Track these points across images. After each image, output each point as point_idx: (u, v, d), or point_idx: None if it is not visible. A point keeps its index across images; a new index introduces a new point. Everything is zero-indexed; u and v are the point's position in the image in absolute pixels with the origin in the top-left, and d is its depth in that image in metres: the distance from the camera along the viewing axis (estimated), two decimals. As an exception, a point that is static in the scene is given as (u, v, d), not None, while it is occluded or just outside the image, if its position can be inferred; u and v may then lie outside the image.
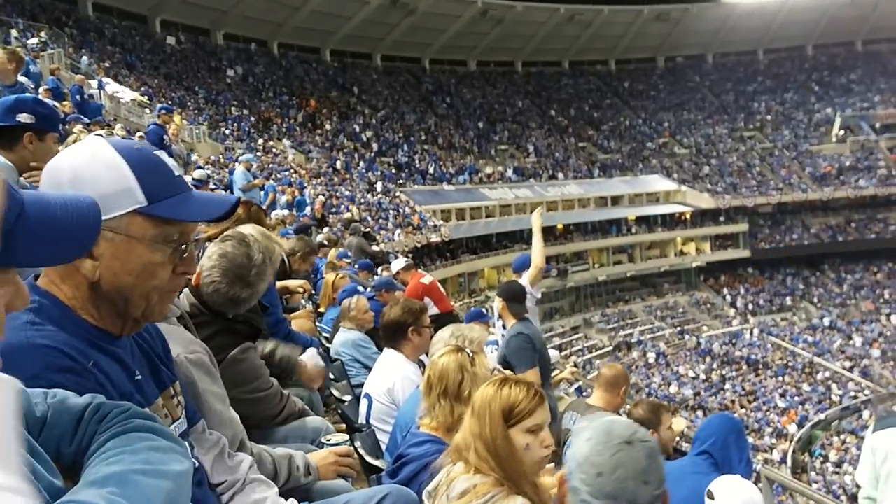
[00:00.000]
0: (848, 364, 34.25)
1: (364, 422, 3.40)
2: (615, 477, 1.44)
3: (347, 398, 3.77)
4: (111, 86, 18.25)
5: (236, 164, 13.99)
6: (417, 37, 46.53)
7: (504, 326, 5.03)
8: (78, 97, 12.14)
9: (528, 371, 4.56)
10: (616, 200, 41.34)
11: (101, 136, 1.98)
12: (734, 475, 2.94)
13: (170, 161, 1.25)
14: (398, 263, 8.55)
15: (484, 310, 7.08)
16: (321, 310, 6.24)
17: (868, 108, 47.05)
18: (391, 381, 3.38)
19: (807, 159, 44.64)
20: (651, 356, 33.96)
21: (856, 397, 31.91)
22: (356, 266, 8.61)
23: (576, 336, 35.73)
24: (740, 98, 50.51)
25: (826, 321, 37.48)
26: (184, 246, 1.23)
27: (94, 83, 17.04)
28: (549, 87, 51.32)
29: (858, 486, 2.72)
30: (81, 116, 9.94)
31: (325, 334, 5.45)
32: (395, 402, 3.31)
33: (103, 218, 1.13)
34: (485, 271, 35.64)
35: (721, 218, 41.31)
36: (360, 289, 5.42)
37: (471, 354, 2.36)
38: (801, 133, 46.74)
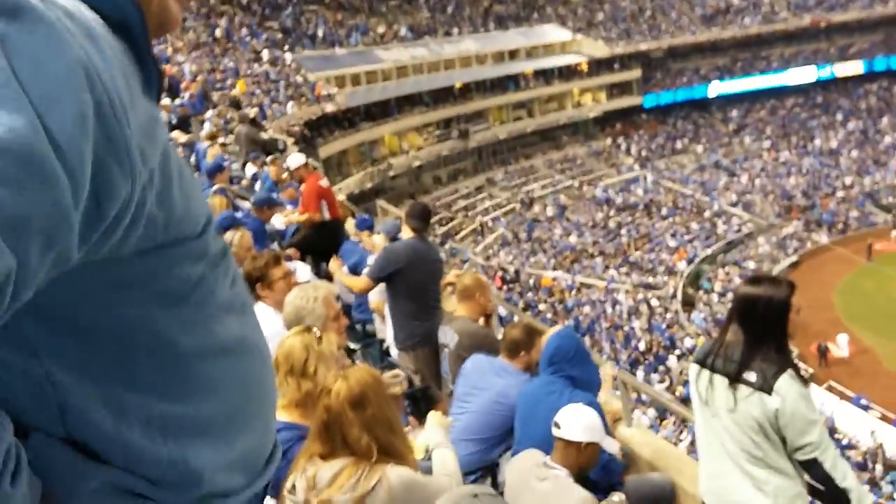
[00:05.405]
0: (734, 198, 36.61)
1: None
2: None
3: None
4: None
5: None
6: None
7: None
8: None
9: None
10: (513, 55, 40.71)
11: None
12: (583, 395, 3.18)
13: None
14: (296, 159, 7.83)
15: (368, 216, 7.01)
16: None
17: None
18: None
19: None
20: (550, 210, 35.14)
21: (739, 230, 34.51)
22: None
23: (480, 196, 36.34)
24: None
25: (713, 160, 39.54)
26: None
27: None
28: (439, -68, 48.34)
29: None
30: None
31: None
32: None
33: None
34: (385, 138, 34.98)
35: (615, 66, 41.60)
36: (238, 216, 5.19)
37: (318, 334, 2.42)
38: (691, -28, 46.51)
